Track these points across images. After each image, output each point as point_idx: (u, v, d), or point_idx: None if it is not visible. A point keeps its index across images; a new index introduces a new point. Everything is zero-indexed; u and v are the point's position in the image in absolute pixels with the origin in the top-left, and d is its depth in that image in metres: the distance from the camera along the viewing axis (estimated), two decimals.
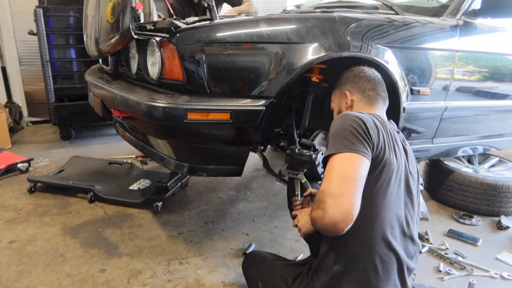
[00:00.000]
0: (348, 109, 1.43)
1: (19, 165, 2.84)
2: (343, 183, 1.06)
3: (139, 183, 2.54)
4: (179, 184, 2.50)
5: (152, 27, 1.71)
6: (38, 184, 2.54)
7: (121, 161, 2.91)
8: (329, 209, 1.03)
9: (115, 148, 3.49)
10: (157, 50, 1.51)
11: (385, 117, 1.39)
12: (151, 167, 3.02)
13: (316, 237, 1.32)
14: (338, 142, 1.14)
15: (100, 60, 2.22)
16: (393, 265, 1.18)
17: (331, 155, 1.13)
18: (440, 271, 1.80)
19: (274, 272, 1.44)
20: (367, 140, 1.13)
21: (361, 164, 1.10)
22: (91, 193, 2.38)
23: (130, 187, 2.49)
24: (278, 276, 1.41)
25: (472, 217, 2.31)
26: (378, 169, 1.15)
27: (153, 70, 1.57)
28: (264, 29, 1.53)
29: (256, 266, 1.54)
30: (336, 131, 1.18)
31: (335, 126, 1.21)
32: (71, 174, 2.67)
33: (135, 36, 1.61)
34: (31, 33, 3.50)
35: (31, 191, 2.50)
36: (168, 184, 2.38)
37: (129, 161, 2.93)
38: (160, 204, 2.27)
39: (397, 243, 1.19)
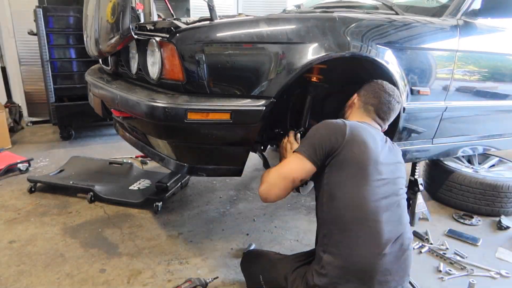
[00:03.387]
0: (348, 108, 1.61)
1: (19, 165, 2.84)
2: (281, 178, 1.36)
3: (139, 183, 2.54)
4: (179, 184, 2.50)
5: (152, 27, 1.71)
6: (38, 184, 2.54)
7: (121, 161, 2.91)
8: (262, 190, 1.39)
9: (115, 148, 3.49)
10: (157, 50, 1.51)
11: (372, 128, 1.47)
12: (151, 167, 3.02)
13: None
14: (302, 142, 1.40)
15: (100, 60, 2.22)
16: (374, 248, 1.24)
17: (295, 150, 1.39)
18: (440, 271, 1.81)
19: (275, 266, 1.49)
20: (324, 148, 1.33)
21: (304, 168, 1.34)
22: (91, 193, 2.37)
23: (130, 187, 2.49)
24: (280, 269, 1.46)
25: (472, 217, 2.31)
26: (345, 166, 1.31)
27: (153, 70, 1.57)
28: (264, 29, 1.53)
29: (256, 261, 1.60)
30: (309, 133, 1.42)
31: (312, 129, 1.43)
32: (71, 174, 2.67)
33: (135, 36, 1.61)
34: (31, 33, 3.50)
35: (31, 191, 2.50)
36: (168, 184, 2.38)
37: (129, 161, 2.93)
38: (160, 204, 2.27)
39: (378, 227, 1.26)
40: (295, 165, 1.36)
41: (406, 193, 2.26)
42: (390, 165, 1.38)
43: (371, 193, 1.29)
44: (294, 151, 1.40)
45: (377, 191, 1.30)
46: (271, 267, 1.52)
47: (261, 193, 1.38)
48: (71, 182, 2.49)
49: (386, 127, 1.59)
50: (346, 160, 1.31)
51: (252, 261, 1.63)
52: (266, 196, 1.38)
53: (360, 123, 1.44)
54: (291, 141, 1.63)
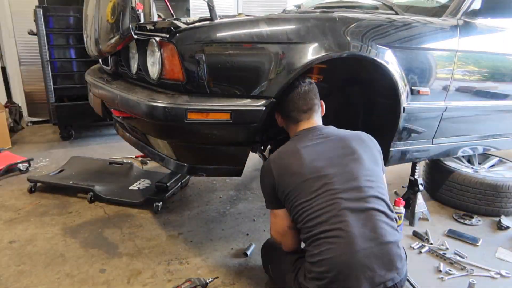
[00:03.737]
0: (284, 127, 1.65)
1: (19, 165, 2.84)
2: (281, 236, 1.52)
3: (139, 183, 2.54)
4: (179, 184, 2.50)
5: (152, 27, 1.71)
6: (38, 184, 2.54)
7: (121, 161, 2.92)
8: (284, 249, 1.54)
9: (115, 148, 3.49)
10: (157, 50, 1.51)
11: (306, 130, 1.53)
12: (151, 167, 3.02)
13: None
14: (265, 198, 1.53)
15: (100, 60, 2.22)
16: (344, 249, 1.25)
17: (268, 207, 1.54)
18: (440, 271, 1.81)
19: (281, 259, 1.55)
20: (273, 193, 1.46)
21: (283, 216, 1.47)
22: (91, 193, 2.37)
23: (130, 187, 2.49)
24: (284, 263, 1.52)
25: (472, 217, 2.31)
26: (290, 194, 1.39)
27: (153, 70, 1.57)
28: (264, 29, 1.53)
29: (269, 251, 1.68)
30: (261, 185, 1.55)
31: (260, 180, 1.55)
32: (71, 174, 2.67)
33: (135, 36, 1.61)
34: (31, 33, 3.50)
35: (31, 191, 2.50)
36: (168, 184, 2.38)
37: (129, 161, 2.93)
38: (160, 204, 2.27)
39: (342, 228, 1.27)
40: (278, 219, 1.50)
41: (406, 192, 2.30)
42: (333, 166, 1.38)
43: (323, 202, 1.32)
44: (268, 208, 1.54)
45: (331, 197, 1.32)
46: (278, 260, 1.58)
47: (285, 249, 1.55)
48: (71, 182, 2.49)
49: (319, 110, 1.60)
50: (287, 189, 1.39)
51: (266, 250, 1.71)
52: (289, 249, 1.53)
53: (288, 144, 1.51)
54: None
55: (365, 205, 1.32)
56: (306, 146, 1.44)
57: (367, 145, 1.49)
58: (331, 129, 1.54)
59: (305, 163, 1.39)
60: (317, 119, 1.58)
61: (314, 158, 1.40)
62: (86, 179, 2.57)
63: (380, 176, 1.44)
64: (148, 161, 3.10)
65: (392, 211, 1.38)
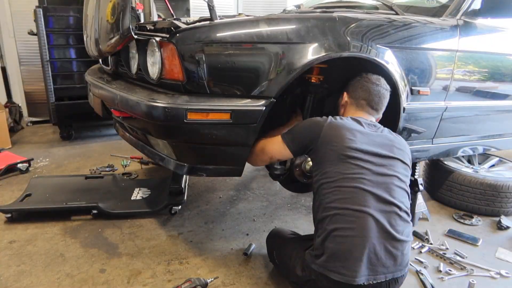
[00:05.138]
0: (341, 107, 1.71)
1: (19, 165, 2.84)
2: (262, 152, 1.63)
3: (138, 193, 2.41)
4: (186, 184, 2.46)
5: (152, 27, 1.71)
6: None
7: (99, 174, 2.76)
8: (249, 158, 1.67)
9: (115, 148, 3.48)
10: (157, 50, 1.51)
11: (367, 121, 1.57)
12: (132, 169, 2.98)
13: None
14: (288, 130, 1.57)
15: (100, 60, 2.22)
16: (360, 234, 1.30)
17: (282, 134, 1.58)
18: (440, 271, 1.80)
19: (286, 244, 1.62)
20: (301, 142, 1.51)
21: (281, 152, 1.57)
22: (95, 210, 2.16)
23: (132, 198, 2.35)
24: (289, 248, 1.59)
25: (472, 217, 2.31)
26: (325, 160, 1.43)
27: (153, 70, 1.57)
28: (264, 29, 1.53)
29: (273, 238, 1.74)
30: (296, 124, 1.61)
31: (298, 122, 1.66)
32: (44, 197, 2.28)
33: (135, 36, 1.61)
34: (31, 33, 3.50)
35: (11, 220, 2.13)
36: (183, 187, 2.30)
37: (110, 172, 2.80)
38: (178, 208, 2.24)
39: (363, 215, 1.32)
40: (277, 147, 1.58)
41: None
42: (376, 156, 1.43)
43: (354, 185, 1.36)
44: (281, 135, 1.57)
45: (360, 181, 1.37)
46: (282, 245, 1.63)
47: (248, 160, 1.67)
48: (64, 204, 2.20)
49: (380, 115, 1.68)
50: (324, 155, 1.43)
51: (270, 237, 1.76)
52: (250, 162, 1.69)
53: (347, 119, 1.53)
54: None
55: (389, 206, 1.37)
56: (361, 132, 1.48)
57: (406, 153, 1.54)
58: (385, 130, 1.57)
59: (355, 142, 1.42)
60: (375, 118, 1.66)
61: (364, 142, 1.44)
62: (74, 198, 2.26)
63: (407, 185, 1.47)
64: (148, 161, 3.09)
65: (409, 216, 1.42)
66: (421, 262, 1.85)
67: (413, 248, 1.98)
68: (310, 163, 1.79)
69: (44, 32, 3.33)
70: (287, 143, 1.54)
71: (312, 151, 1.48)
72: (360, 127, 1.50)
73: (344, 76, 1.93)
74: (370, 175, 1.38)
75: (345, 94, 1.69)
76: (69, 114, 3.61)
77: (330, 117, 1.52)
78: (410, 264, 1.67)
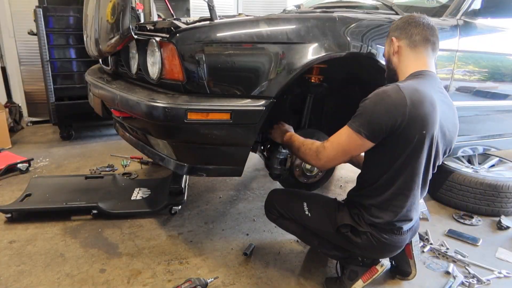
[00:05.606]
0: (395, 55, 1.49)
1: (19, 165, 2.84)
2: (340, 154, 1.41)
3: (138, 193, 2.40)
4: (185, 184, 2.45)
5: (152, 27, 1.71)
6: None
7: (99, 174, 2.75)
8: (320, 162, 1.47)
9: (115, 148, 3.49)
10: (157, 50, 1.51)
11: (430, 72, 1.43)
12: (131, 169, 3.01)
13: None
14: (357, 118, 1.34)
15: (100, 60, 2.22)
16: (410, 214, 1.47)
17: (348, 124, 1.37)
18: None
19: (294, 196, 1.69)
20: (384, 129, 1.30)
21: (363, 146, 1.36)
22: (95, 210, 2.16)
23: (132, 198, 2.34)
24: (297, 200, 1.65)
25: (472, 217, 2.31)
26: (404, 140, 1.33)
27: (153, 70, 1.57)
28: (264, 29, 1.53)
29: (276, 194, 1.77)
30: (362, 107, 1.34)
31: (367, 102, 1.33)
32: (44, 197, 2.28)
33: (135, 36, 1.61)
34: (31, 33, 3.50)
35: (11, 219, 2.14)
36: (183, 187, 2.29)
37: (110, 172, 2.78)
38: (178, 208, 2.24)
39: (416, 198, 1.47)
40: (355, 144, 1.35)
41: None
42: (445, 136, 1.43)
43: (421, 167, 1.40)
44: (353, 130, 1.34)
45: (423, 166, 1.41)
46: (288, 199, 1.70)
47: (320, 166, 1.50)
48: (64, 204, 2.19)
49: (436, 55, 1.51)
50: (405, 137, 1.32)
51: (271, 195, 1.77)
52: (323, 166, 1.52)
53: (416, 80, 1.37)
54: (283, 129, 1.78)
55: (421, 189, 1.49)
56: (438, 102, 1.34)
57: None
58: (449, 97, 1.48)
59: (437, 123, 1.34)
60: (433, 64, 1.48)
61: (442, 124, 1.38)
62: (74, 198, 2.26)
63: None
64: (148, 161, 3.09)
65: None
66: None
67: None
68: None
69: (44, 32, 3.33)
70: (366, 137, 1.32)
71: (392, 136, 1.31)
72: (435, 94, 1.35)
73: (343, 76, 1.93)
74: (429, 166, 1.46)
75: (393, 39, 1.48)
76: (69, 114, 3.61)
77: (403, 89, 1.29)
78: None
